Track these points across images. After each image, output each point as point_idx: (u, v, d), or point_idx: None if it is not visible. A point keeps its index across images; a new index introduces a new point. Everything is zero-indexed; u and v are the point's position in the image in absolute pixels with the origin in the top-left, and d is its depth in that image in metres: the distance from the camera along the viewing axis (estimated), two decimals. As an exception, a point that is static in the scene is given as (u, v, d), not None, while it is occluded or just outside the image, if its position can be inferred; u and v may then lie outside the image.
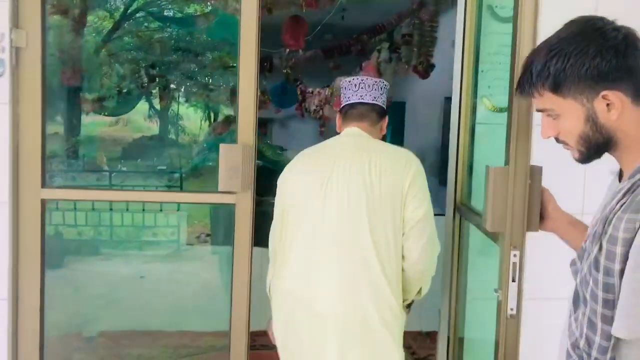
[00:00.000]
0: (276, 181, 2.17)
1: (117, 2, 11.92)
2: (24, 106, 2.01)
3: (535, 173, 1.75)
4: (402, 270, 1.98)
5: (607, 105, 1.15)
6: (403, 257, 1.97)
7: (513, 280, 1.80)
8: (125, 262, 5.86)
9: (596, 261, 1.11)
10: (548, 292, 2.00)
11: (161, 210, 6.74)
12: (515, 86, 1.28)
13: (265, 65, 8.30)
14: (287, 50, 4.68)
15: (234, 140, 2.14)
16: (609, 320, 1.09)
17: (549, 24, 1.36)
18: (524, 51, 1.67)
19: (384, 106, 2.17)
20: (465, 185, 2.43)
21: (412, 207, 1.95)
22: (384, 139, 2.20)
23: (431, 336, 3.82)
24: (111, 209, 6.34)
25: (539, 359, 1.97)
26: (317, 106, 8.23)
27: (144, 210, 6.68)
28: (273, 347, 2.19)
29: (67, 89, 8.11)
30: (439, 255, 2.06)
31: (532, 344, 1.99)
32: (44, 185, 2.03)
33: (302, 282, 1.99)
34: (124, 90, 11.35)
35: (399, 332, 2.01)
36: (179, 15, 11.51)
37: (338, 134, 2.19)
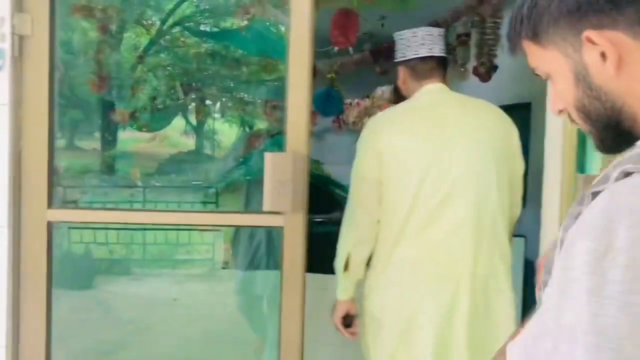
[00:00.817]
0: (315, 197, 1.90)
1: (154, 18, 11.80)
2: (27, 108, 1.61)
3: None
4: None
5: (601, 54, 0.72)
6: None
7: None
8: (158, 283, 5.48)
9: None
10: None
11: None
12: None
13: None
14: (336, 48, 4.24)
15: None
16: None
17: None
18: None
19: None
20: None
21: (519, 161, 1.91)
22: None
23: None
24: (144, 229, 5.99)
25: None
26: (356, 117, 7.80)
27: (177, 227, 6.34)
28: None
29: (102, 103, 7.92)
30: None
31: None
32: (50, 205, 1.62)
33: (432, 249, 1.81)
34: (160, 106, 11.16)
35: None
36: (215, 29, 11.31)
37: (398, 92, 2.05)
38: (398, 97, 2.07)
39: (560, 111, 0.82)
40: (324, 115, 6.98)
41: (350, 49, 4.40)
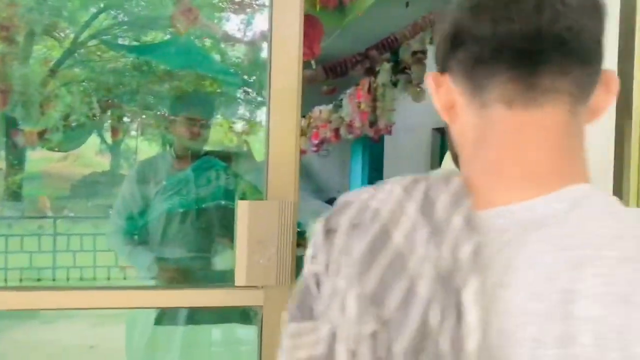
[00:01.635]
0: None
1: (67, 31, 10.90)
2: None
3: None
4: None
5: None
6: None
7: None
8: (72, 327, 4.72)
9: None
10: None
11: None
12: None
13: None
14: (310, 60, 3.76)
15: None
16: None
17: None
18: None
19: None
20: None
21: None
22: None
23: None
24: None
25: None
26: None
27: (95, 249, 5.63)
28: None
29: (5, 121, 7.06)
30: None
31: None
32: None
33: None
34: (74, 124, 10.23)
35: None
36: (135, 43, 10.57)
37: None
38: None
39: None
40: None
41: (313, 62, 3.95)
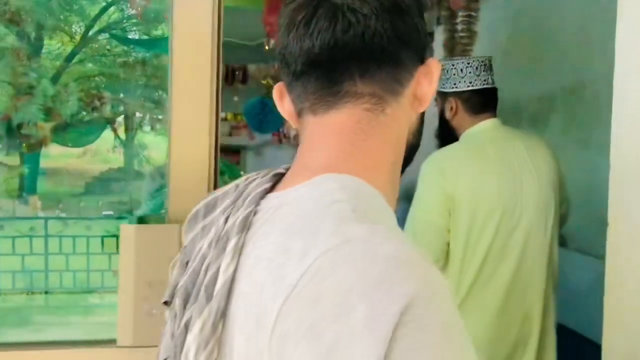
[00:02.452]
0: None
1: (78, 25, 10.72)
2: None
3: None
4: None
5: None
6: None
7: None
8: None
9: None
10: None
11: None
12: None
13: (236, 75, 6.76)
14: (270, 39, 3.39)
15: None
16: None
17: None
18: None
19: None
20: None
21: (564, 205, 1.91)
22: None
23: None
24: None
25: None
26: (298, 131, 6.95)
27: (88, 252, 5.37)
28: None
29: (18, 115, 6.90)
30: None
31: None
32: None
33: (508, 295, 1.77)
34: (86, 119, 10.03)
35: None
36: (145, 37, 10.33)
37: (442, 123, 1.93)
38: (441, 127, 1.95)
39: None
40: (258, 132, 6.05)
41: (266, 41, 3.53)
